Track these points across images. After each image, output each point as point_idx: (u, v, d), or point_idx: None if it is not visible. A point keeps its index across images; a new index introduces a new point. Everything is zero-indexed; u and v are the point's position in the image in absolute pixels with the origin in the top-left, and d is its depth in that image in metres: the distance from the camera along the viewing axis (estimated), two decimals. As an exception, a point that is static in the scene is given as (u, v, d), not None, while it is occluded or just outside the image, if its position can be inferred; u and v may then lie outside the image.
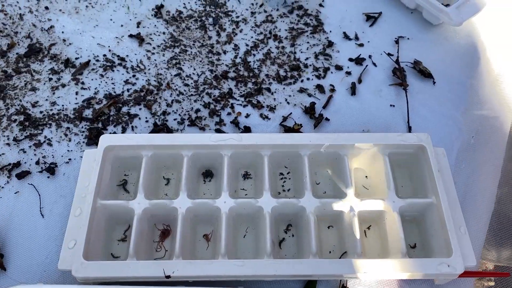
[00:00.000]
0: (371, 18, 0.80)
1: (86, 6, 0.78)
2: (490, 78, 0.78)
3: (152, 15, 0.78)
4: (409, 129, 0.68)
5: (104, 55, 0.72)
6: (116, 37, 0.74)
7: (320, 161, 0.61)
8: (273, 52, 0.75)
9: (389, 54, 0.75)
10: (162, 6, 0.79)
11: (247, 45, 0.76)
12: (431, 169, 0.57)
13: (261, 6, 0.81)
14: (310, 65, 0.74)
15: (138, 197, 0.55)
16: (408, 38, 0.78)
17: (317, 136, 0.59)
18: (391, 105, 0.70)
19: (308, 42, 0.77)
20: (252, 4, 0.81)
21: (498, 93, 0.78)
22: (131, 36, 0.74)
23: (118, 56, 0.72)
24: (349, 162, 0.59)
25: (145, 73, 0.71)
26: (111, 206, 0.55)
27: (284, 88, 0.71)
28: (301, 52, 0.76)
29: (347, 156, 0.59)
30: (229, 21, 0.79)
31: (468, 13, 0.74)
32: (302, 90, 0.71)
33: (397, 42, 0.77)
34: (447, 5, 0.79)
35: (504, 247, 0.89)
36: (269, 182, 0.56)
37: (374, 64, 0.75)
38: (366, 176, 0.62)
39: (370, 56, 0.75)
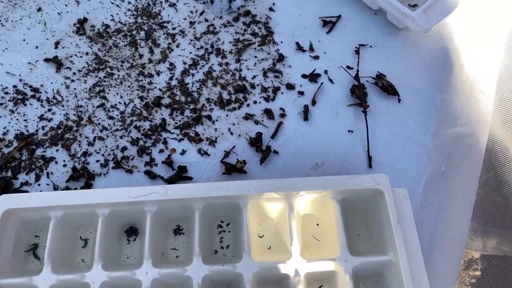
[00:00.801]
0: (329, 24, 0.70)
1: (-5, 24, 0.67)
2: (465, 87, 0.69)
3: (73, 31, 0.67)
4: (369, 160, 0.59)
5: (15, 86, 0.61)
6: (29, 63, 0.63)
7: (263, 209, 0.52)
8: (215, 70, 0.65)
9: (348, 67, 0.66)
10: (85, 20, 0.68)
11: (184, 63, 0.66)
12: (389, 220, 0.48)
13: (202, 13, 0.70)
14: (258, 84, 0.64)
15: (44, 271, 0.46)
16: (370, 46, 0.68)
17: (257, 185, 0.50)
18: (349, 131, 0.61)
19: (255, 57, 0.67)
20: (191, 12, 0.70)
21: (474, 104, 0.69)
22: (47, 60, 0.64)
23: (31, 86, 0.62)
24: (296, 210, 0.50)
25: (62, 105, 0.61)
26: (9, 286, 0.46)
27: (227, 115, 0.62)
28: (248, 69, 0.66)
29: (293, 204, 0.50)
30: (164, 34, 0.68)
31: (437, 17, 0.64)
32: (248, 117, 0.62)
33: (357, 52, 0.67)
34: (414, 6, 0.69)
35: (489, 236, 0.83)
36: (201, 243, 0.48)
37: (331, 81, 0.65)
38: (318, 224, 0.53)
39: (326, 72, 0.65)
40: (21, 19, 0.67)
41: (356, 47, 0.67)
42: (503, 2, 0.73)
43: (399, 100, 0.63)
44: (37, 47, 0.65)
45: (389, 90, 0.63)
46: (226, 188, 0.50)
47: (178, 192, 0.49)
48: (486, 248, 0.86)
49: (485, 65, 0.71)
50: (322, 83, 0.64)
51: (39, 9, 0.68)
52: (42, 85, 0.62)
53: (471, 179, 0.64)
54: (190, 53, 0.67)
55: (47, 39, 0.66)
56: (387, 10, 0.66)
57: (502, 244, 0.83)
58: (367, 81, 0.64)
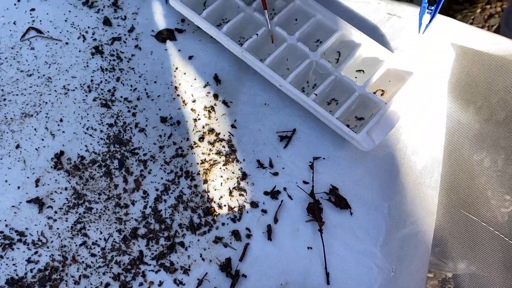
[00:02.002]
0: (285, 138, 0.77)
1: (-22, 166, 0.72)
2: (410, 186, 0.77)
3: (51, 166, 0.72)
4: (327, 276, 0.66)
5: (1, 232, 0.67)
6: (13, 206, 0.69)
7: None
8: (185, 194, 0.72)
9: (304, 183, 0.73)
10: (62, 153, 0.73)
11: (157, 189, 0.72)
12: None
13: (170, 137, 0.76)
14: (225, 205, 0.71)
15: None
16: (323, 158, 0.75)
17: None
18: (308, 248, 0.68)
19: (221, 176, 0.74)
20: (160, 136, 0.76)
21: (420, 199, 0.77)
22: (29, 201, 0.69)
23: (16, 231, 0.67)
24: None
25: (48, 247, 0.67)
26: None
27: (198, 240, 0.69)
28: (215, 189, 0.72)
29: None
30: (136, 160, 0.74)
31: (380, 134, 0.72)
32: (217, 240, 0.69)
33: (311, 166, 0.74)
34: (361, 119, 0.76)
35: (459, 258, 0.92)
36: None
37: (290, 197, 0.72)
38: None
39: (285, 189, 0.73)
40: (1, 159, 0.72)
41: (310, 162, 0.75)
42: (439, 100, 0.81)
43: (351, 213, 0.71)
44: (19, 187, 0.70)
45: (341, 204, 0.71)
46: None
47: None
48: (457, 269, 0.95)
49: (428, 159, 0.79)
50: (282, 200, 0.72)
51: (18, 146, 0.73)
52: (27, 228, 0.68)
53: (419, 274, 0.72)
54: (162, 178, 0.73)
55: (28, 177, 0.71)
56: (334, 129, 0.73)
57: (471, 265, 0.92)
58: (321, 197, 0.72)
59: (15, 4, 0.84)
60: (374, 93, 0.77)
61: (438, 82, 0.82)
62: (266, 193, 0.73)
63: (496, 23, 1.81)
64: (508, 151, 0.81)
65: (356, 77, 0.79)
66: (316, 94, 0.74)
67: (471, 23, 1.69)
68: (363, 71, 0.79)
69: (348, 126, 0.75)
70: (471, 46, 0.82)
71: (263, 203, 0.72)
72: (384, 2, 0.88)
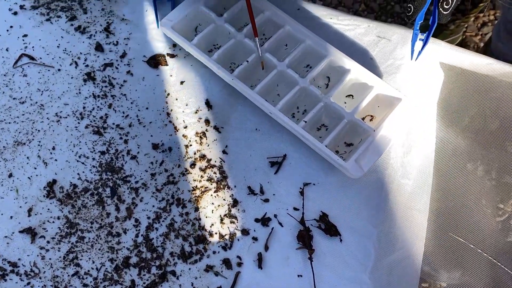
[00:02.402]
0: (276, 164, 0.77)
1: (-29, 196, 0.73)
2: (400, 210, 0.77)
3: (44, 195, 0.73)
4: (317, 305, 0.67)
5: (-6, 263, 0.68)
6: (6, 236, 0.70)
7: None
8: (177, 222, 0.73)
9: (295, 209, 0.74)
10: (54, 181, 0.74)
11: (148, 217, 0.73)
12: None
13: (161, 164, 0.77)
14: (216, 233, 0.72)
15: None
16: (314, 184, 0.76)
17: None
18: (299, 276, 0.69)
19: (212, 203, 0.74)
20: (152, 163, 0.77)
21: (409, 223, 0.78)
22: (22, 231, 0.70)
23: (9, 262, 0.68)
24: None
25: (40, 278, 0.67)
26: None
27: (190, 269, 0.69)
28: (206, 217, 0.73)
29: None
30: (128, 188, 0.75)
31: (368, 162, 0.72)
32: (208, 269, 0.70)
33: (302, 193, 0.75)
34: (350, 145, 0.77)
35: (455, 268, 0.93)
36: None
37: (281, 224, 0.73)
38: None
39: (275, 216, 0.73)
40: (-6, 188, 0.73)
41: (300, 188, 0.75)
42: (428, 122, 0.82)
43: (341, 240, 0.72)
44: (11, 217, 0.71)
45: (331, 231, 0.72)
46: None
47: None
48: (452, 278, 0.96)
49: (418, 182, 0.80)
50: (272, 228, 0.73)
51: (10, 175, 0.74)
52: (19, 259, 0.68)
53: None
54: (153, 206, 0.74)
55: (20, 207, 0.72)
56: (323, 156, 0.74)
57: (464, 275, 0.93)
58: (311, 224, 0.73)
59: (7, 30, 0.85)
60: (363, 118, 0.78)
61: (427, 106, 0.83)
62: (257, 220, 0.73)
63: (489, 31, 1.82)
64: (500, 163, 0.81)
65: (345, 103, 0.80)
66: (305, 121, 0.75)
67: (465, 32, 1.70)
68: (352, 96, 0.80)
69: (337, 152, 0.76)
70: (460, 66, 0.83)
71: (254, 231, 0.73)
72: (373, 25, 0.88)
